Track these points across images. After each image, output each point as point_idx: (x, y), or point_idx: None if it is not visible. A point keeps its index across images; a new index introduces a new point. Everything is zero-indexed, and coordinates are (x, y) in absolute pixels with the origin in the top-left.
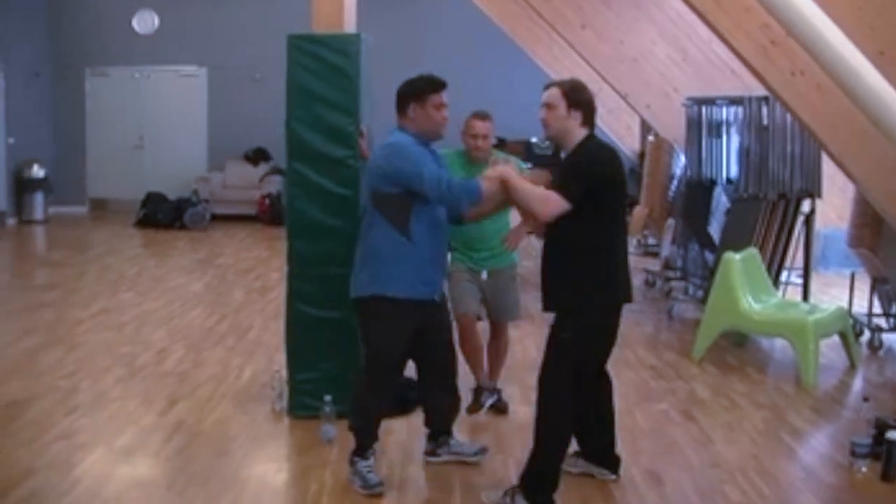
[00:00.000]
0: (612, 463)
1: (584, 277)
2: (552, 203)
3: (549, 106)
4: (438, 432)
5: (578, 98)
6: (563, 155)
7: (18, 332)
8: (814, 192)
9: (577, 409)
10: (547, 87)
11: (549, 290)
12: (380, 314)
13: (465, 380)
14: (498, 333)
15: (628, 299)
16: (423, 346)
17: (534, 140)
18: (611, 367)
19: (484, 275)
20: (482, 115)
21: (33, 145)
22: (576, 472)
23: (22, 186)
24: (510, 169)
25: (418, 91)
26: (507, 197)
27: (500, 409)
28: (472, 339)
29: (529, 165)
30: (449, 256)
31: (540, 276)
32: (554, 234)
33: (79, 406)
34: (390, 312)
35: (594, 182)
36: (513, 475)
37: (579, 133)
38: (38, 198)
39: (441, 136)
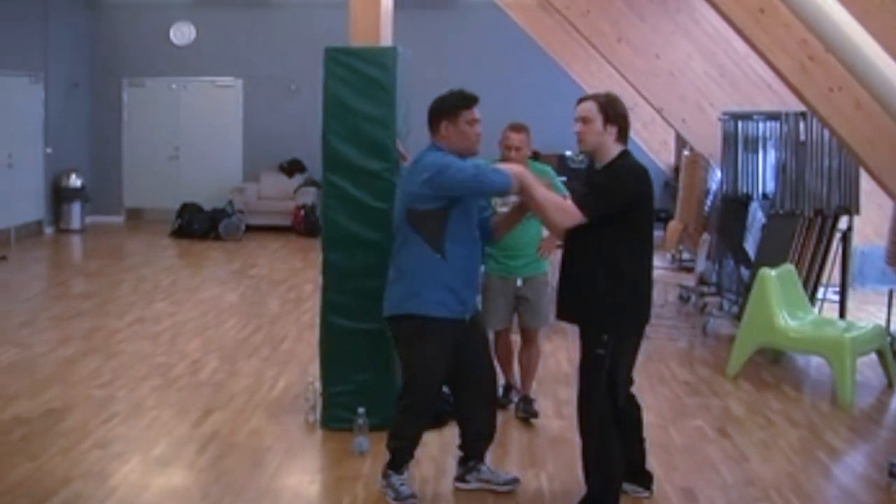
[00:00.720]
0: (645, 479)
1: (618, 289)
2: (569, 214)
3: (585, 120)
4: (470, 457)
5: (615, 112)
6: (596, 166)
7: (56, 341)
8: (851, 208)
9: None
10: (582, 100)
11: (571, 299)
12: (414, 333)
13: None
14: (529, 342)
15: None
16: (460, 365)
17: (568, 154)
18: (644, 382)
19: (519, 282)
20: (517, 128)
21: (71, 155)
22: None
23: (60, 196)
24: (525, 170)
25: (450, 108)
26: (525, 199)
27: (531, 413)
28: (505, 346)
29: (564, 179)
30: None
31: (558, 282)
32: (580, 241)
33: (115, 415)
34: (425, 331)
35: (620, 202)
36: (545, 489)
37: (614, 148)
38: (76, 207)
39: (475, 153)
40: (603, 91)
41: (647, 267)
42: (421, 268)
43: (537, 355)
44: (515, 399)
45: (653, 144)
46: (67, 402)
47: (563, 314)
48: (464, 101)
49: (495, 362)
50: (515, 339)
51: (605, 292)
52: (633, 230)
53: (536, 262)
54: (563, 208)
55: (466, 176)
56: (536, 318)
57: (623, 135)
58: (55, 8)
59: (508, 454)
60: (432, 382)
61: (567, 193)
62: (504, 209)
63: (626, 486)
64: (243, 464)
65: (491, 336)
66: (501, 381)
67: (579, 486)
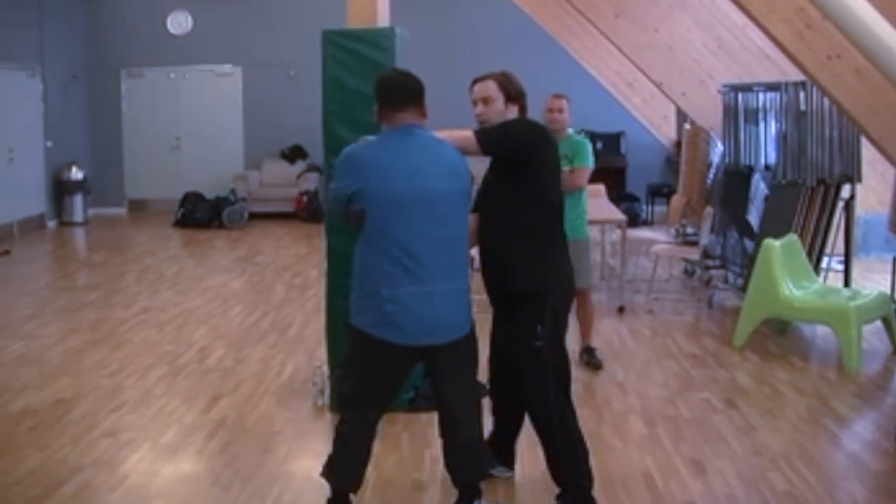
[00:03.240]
0: (510, 459)
1: (537, 267)
2: (467, 141)
3: (486, 100)
4: (464, 490)
5: (516, 90)
6: None
7: (63, 332)
8: (853, 176)
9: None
10: (478, 80)
11: (499, 275)
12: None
13: None
14: (582, 300)
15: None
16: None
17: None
18: (651, 356)
19: None
20: (557, 94)
21: (71, 148)
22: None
23: (61, 189)
24: None
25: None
26: None
27: (595, 365)
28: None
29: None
30: None
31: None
32: (489, 214)
33: (123, 404)
34: None
35: (516, 142)
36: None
37: None
38: (78, 200)
39: None
40: (500, 70)
41: (560, 235)
42: None
43: (592, 311)
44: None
45: (653, 119)
46: (76, 392)
47: (499, 294)
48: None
49: None
50: None
51: (524, 271)
52: (534, 193)
53: (576, 227)
54: (461, 137)
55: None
56: (581, 280)
57: (522, 111)
58: (50, 0)
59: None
60: None
61: (591, 166)
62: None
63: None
64: (253, 449)
65: None
66: None
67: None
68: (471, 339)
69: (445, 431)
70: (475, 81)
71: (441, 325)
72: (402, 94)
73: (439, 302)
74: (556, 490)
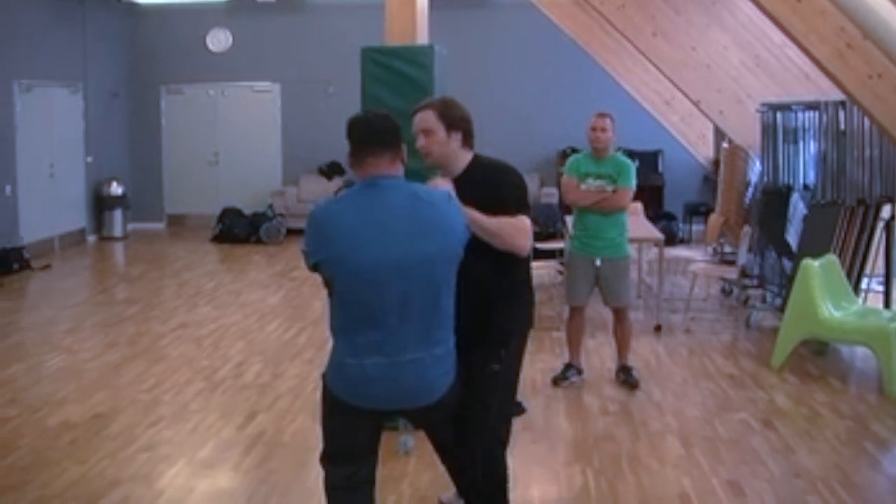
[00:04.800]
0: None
1: (518, 306)
2: (528, 231)
3: (426, 132)
4: None
5: (456, 116)
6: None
7: (101, 347)
8: (894, 197)
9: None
10: (416, 111)
11: (469, 324)
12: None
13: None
14: (620, 318)
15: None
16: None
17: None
18: (689, 376)
19: (598, 262)
20: (601, 113)
21: (111, 163)
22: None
23: (101, 204)
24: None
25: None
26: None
27: (631, 384)
28: (577, 324)
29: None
30: (569, 243)
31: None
32: (472, 267)
33: (161, 419)
34: None
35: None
36: (591, 485)
37: (464, 155)
38: (117, 215)
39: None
40: (439, 97)
41: (528, 263)
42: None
43: (629, 329)
44: (575, 378)
45: (691, 138)
46: (114, 406)
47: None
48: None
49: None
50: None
51: (501, 300)
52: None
53: (617, 245)
54: (522, 228)
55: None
56: (617, 298)
57: (468, 138)
58: (93, 18)
59: (554, 449)
60: None
61: (633, 188)
62: None
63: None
64: (289, 465)
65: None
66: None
67: (626, 482)
68: (455, 391)
69: (452, 475)
70: (414, 112)
71: (411, 394)
72: (372, 137)
73: (408, 373)
74: None
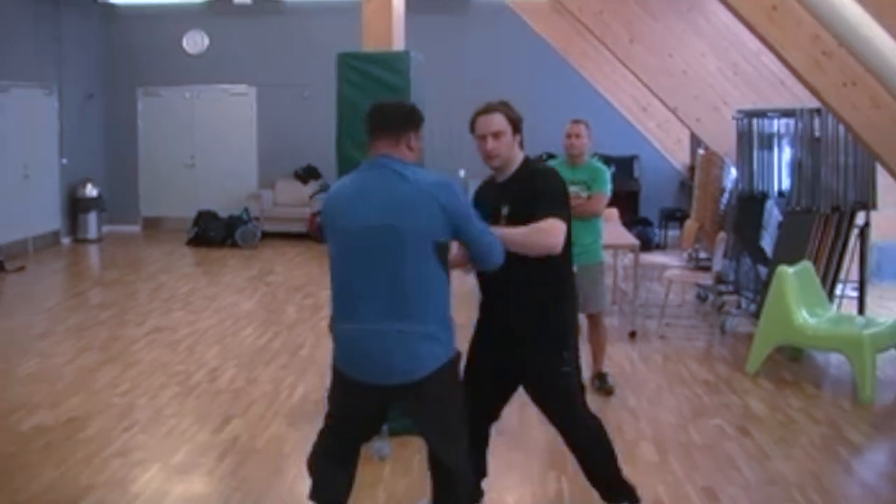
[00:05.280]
0: (478, 498)
1: (566, 304)
2: (557, 229)
3: (497, 134)
4: None
5: (517, 119)
6: (499, 179)
7: (75, 350)
8: (868, 203)
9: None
10: (484, 113)
11: (524, 333)
12: (457, 377)
13: None
14: (594, 324)
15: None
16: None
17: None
18: (664, 381)
19: (574, 268)
20: (576, 120)
21: (87, 165)
22: None
23: (76, 206)
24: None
25: (419, 118)
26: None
27: (606, 391)
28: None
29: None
30: None
31: (515, 323)
32: (520, 272)
33: (135, 423)
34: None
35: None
36: (566, 491)
37: (519, 156)
38: (92, 217)
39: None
40: (498, 100)
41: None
42: (448, 303)
43: (604, 335)
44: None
45: (667, 144)
46: (88, 410)
47: (515, 355)
48: (421, 114)
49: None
50: None
51: (563, 310)
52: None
53: (592, 251)
54: (548, 228)
55: (485, 241)
56: (592, 304)
57: (522, 141)
58: (68, 20)
59: (529, 456)
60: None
61: (608, 193)
62: None
63: None
64: (263, 471)
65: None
66: None
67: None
68: (440, 382)
69: (430, 464)
70: (478, 114)
71: (375, 368)
72: (378, 121)
73: (371, 343)
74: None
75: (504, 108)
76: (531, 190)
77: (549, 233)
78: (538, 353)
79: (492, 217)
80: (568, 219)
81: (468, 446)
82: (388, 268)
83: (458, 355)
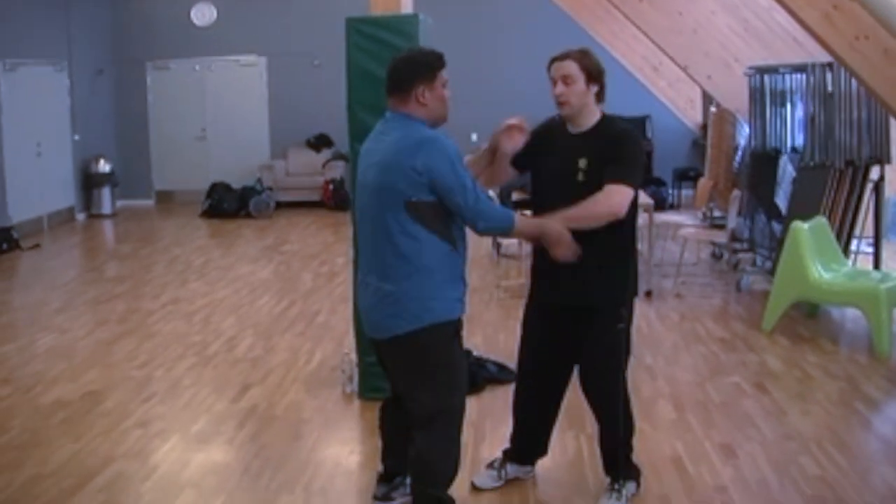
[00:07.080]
0: (539, 452)
1: (629, 262)
2: (620, 195)
3: (566, 79)
4: (394, 474)
5: (597, 70)
6: (572, 131)
7: (92, 324)
8: (883, 158)
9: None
10: (558, 59)
11: (598, 288)
12: (440, 346)
13: None
14: None
15: None
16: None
17: None
18: (680, 340)
19: None
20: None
21: (99, 141)
22: (501, 484)
23: (89, 181)
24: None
25: (427, 69)
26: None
27: None
28: None
29: None
30: None
31: (572, 274)
32: (585, 233)
33: (153, 395)
34: (449, 340)
35: (642, 167)
36: (584, 451)
37: (596, 111)
38: (106, 192)
39: (446, 120)
40: (577, 47)
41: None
42: (439, 266)
43: None
44: None
45: (679, 103)
46: (106, 383)
47: (597, 305)
48: (440, 60)
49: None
50: None
51: (623, 266)
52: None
53: None
54: (608, 197)
55: (469, 214)
56: None
57: (602, 93)
58: None
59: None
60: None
61: None
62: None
63: (520, 472)
64: (283, 437)
65: None
66: None
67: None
68: (408, 348)
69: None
70: (553, 60)
71: (367, 319)
72: (387, 79)
73: (364, 295)
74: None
75: (580, 55)
76: (615, 151)
77: (609, 197)
78: (597, 302)
79: (565, 167)
80: (637, 186)
81: (456, 435)
82: (368, 224)
83: (445, 324)
